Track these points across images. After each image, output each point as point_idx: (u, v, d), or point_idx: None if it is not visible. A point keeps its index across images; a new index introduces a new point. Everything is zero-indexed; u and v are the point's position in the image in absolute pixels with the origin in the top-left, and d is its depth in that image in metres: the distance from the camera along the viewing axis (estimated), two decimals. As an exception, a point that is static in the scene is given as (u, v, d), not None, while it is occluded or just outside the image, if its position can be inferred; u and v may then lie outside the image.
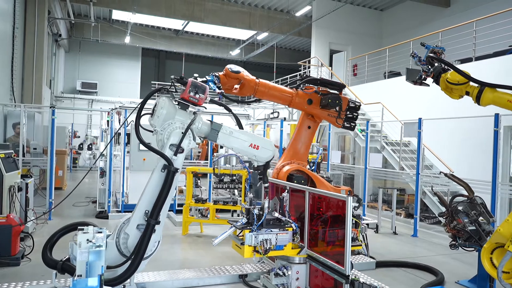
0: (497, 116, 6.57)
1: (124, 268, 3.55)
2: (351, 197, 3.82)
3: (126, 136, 9.38)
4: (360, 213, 6.47)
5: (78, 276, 2.84)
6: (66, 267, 3.59)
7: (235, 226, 4.40)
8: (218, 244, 4.29)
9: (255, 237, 4.21)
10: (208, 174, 8.78)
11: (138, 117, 3.77)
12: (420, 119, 8.51)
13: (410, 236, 8.37)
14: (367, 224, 8.12)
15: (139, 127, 3.73)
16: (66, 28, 20.91)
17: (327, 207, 4.45)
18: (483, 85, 3.84)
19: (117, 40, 22.39)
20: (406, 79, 4.49)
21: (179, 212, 8.65)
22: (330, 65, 18.78)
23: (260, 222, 4.27)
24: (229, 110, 4.45)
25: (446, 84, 4.08)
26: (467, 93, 3.99)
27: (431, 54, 4.26)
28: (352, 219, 4.91)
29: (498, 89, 3.80)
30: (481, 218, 5.11)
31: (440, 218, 8.37)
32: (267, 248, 4.24)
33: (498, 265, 3.51)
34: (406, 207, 11.12)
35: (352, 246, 4.73)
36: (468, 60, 11.29)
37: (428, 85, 4.60)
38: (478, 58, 11.05)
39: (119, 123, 9.96)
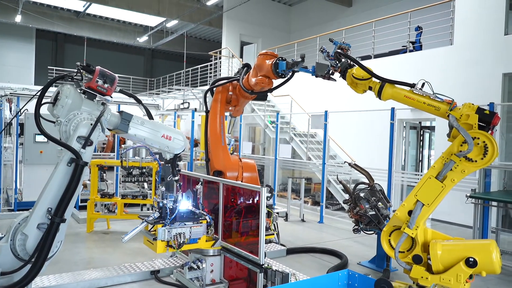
0: (393, 110, 7.17)
1: (23, 273, 3.18)
2: (265, 188, 3.87)
3: (18, 127, 8.41)
4: (272, 203, 6.64)
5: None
6: None
7: (146, 221, 4.20)
8: (128, 241, 4.05)
9: (168, 231, 4.07)
10: (115, 167, 8.30)
11: (39, 105, 3.37)
12: (326, 112, 8.97)
13: (317, 223, 8.83)
14: (278, 213, 8.38)
15: (40, 117, 3.35)
16: None
17: (241, 198, 4.47)
18: (384, 81, 4.13)
19: (6, 18, 19.97)
20: (314, 73, 4.65)
21: (82, 208, 8.04)
22: (241, 56, 18.93)
23: (173, 216, 4.14)
24: (139, 101, 4.21)
25: (352, 79, 4.32)
26: (370, 88, 4.26)
27: (338, 50, 4.47)
28: (265, 209, 5.01)
29: (396, 86, 4.11)
30: (380, 203, 5.56)
31: (344, 205, 8.98)
32: (181, 242, 4.13)
33: (395, 245, 3.84)
34: (313, 195, 11.72)
35: (266, 235, 4.82)
36: (368, 57, 12.18)
37: (335, 80, 4.83)
38: (377, 56, 11.99)
39: (11, 112, 8.91)
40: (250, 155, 12.10)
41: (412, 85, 3.95)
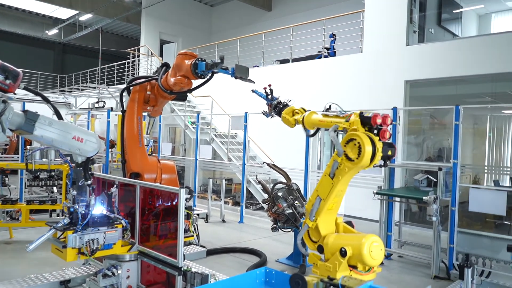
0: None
1: None
2: (184, 189, 3.83)
3: None
4: (192, 204, 6.57)
5: None
6: None
7: (55, 227, 3.90)
8: (34, 250, 3.74)
9: (80, 237, 3.82)
10: (19, 171, 7.61)
11: None
12: (246, 113, 9.11)
13: (237, 223, 8.93)
14: (198, 215, 8.32)
15: None
16: None
17: (159, 200, 4.36)
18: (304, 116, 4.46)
19: None
20: (233, 75, 4.72)
21: (-20, 216, 7.25)
22: (161, 55, 18.47)
23: (85, 221, 3.90)
24: (46, 99, 3.91)
25: (283, 117, 4.75)
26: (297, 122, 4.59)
27: (275, 103, 4.84)
28: (184, 211, 4.95)
29: (313, 115, 4.38)
30: (296, 202, 5.79)
31: (263, 204, 9.20)
32: (94, 248, 3.91)
33: (307, 240, 4.06)
34: (233, 195, 11.83)
35: (184, 237, 4.76)
36: (286, 61, 12.62)
37: (254, 82, 4.95)
38: (294, 60, 12.46)
39: None
40: (170, 156, 11.86)
41: (327, 110, 4.41)
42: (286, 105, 4.81)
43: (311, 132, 4.62)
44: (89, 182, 4.03)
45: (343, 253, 3.62)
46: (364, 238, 3.66)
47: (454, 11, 12.02)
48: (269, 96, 4.92)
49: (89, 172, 4.02)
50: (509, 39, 8.42)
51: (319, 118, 4.33)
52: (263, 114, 5.14)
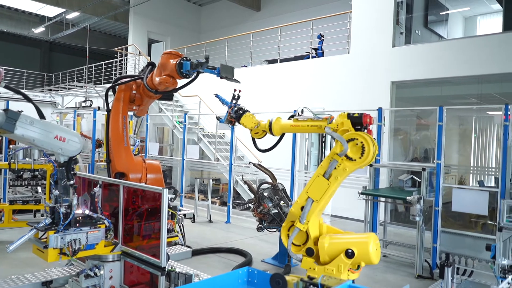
0: (295, 112, 7.53)
1: None
2: (167, 189, 3.81)
3: None
4: (177, 205, 6.54)
5: None
6: None
7: (36, 228, 3.86)
8: (16, 251, 3.69)
9: (62, 238, 3.78)
10: (3, 170, 7.49)
11: None
12: (233, 113, 9.09)
13: (224, 223, 8.92)
14: (184, 215, 8.29)
15: None
16: None
17: (143, 200, 4.34)
18: (271, 122, 4.49)
19: None
20: (219, 75, 4.71)
21: (-39, 216, 7.13)
22: (149, 54, 18.36)
23: (67, 221, 3.86)
24: (27, 98, 3.87)
25: (246, 116, 4.73)
26: (264, 131, 4.55)
27: (236, 108, 4.79)
28: (169, 211, 4.93)
29: (281, 120, 4.39)
30: (282, 202, 5.80)
31: (250, 204, 9.20)
32: (76, 248, 3.87)
33: (286, 242, 4.06)
34: (221, 195, 11.81)
35: (168, 237, 4.75)
36: (274, 61, 12.63)
37: (239, 82, 4.96)
38: (282, 60, 12.49)
39: None
40: (157, 156, 11.79)
41: (292, 116, 4.35)
42: (246, 111, 4.81)
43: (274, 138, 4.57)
44: (71, 182, 4.00)
45: (350, 254, 3.59)
46: (366, 237, 3.68)
47: (441, 13, 12.17)
48: (234, 101, 4.86)
49: (72, 172, 3.99)
50: (494, 41, 8.55)
51: (290, 123, 4.32)
52: (217, 119, 5.10)
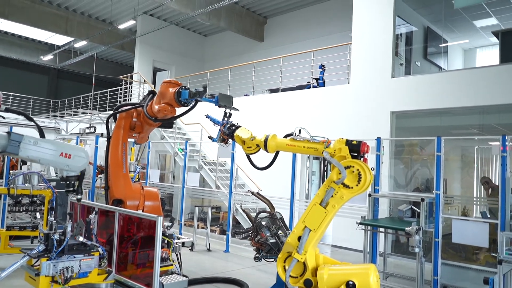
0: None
1: None
2: (161, 217, 3.81)
3: None
4: (175, 232, 6.49)
5: None
6: None
7: (29, 254, 3.84)
8: (9, 278, 3.66)
9: (54, 265, 3.76)
10: (2, 195, 7.51)
11: None
12: (233, 141, 9.14)
13: (223, 252, 8.80)
14: (183, 243, 8.17)
15: None
16: None
17: (138, 227, 4.32)
18: (266, 138, 4.36)
19: None
20: (217, 103, 4.78)
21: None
22: (154, 83, 18.67)
23: (60, 248, 3.84)
24: (28, 118, 3.95)
25: (241, 130, 4.66)
26: (258, 145, 4.52)
27: (229, 125, 4.72)
28: (164, 239, 4.89)
29: (277, 137, 4.38)
30: (280, 231, 5.74)
31: (248, 233, 9.10)
32: (68, 276, 3.83)
33: (282, 275, 3.99)
34: (221, 224, 11.71)
35: (163, 266, 4.70)
36: (276, 90, 12.79)
37: (238, 110, 5.02)
38: (284, 90, 12.65)
39: None
40: (158, 183, 11.79)
41: (288, 135, 4.26)
42: (239, 127, 4.75)
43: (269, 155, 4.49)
44: (80, 196, 4.03)
45: (351, 286, 3.54)
46: (366, 268, 3.62)
47: (440, 45, 12.37)
48: (226, 118, 4.80)
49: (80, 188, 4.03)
50: (493, 73, 8.64)
51: (286, 142, 4.30)
52: (210, 138, 5.02)
